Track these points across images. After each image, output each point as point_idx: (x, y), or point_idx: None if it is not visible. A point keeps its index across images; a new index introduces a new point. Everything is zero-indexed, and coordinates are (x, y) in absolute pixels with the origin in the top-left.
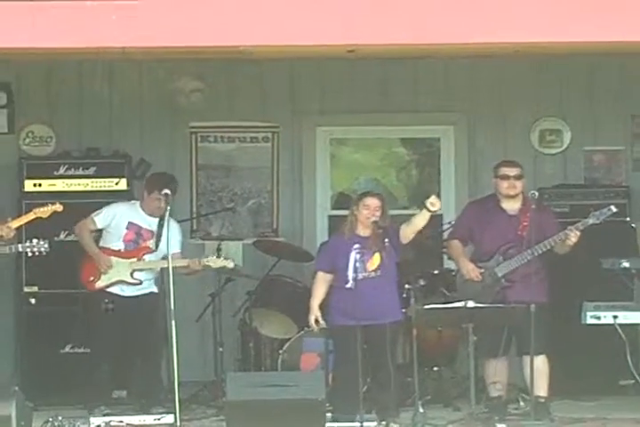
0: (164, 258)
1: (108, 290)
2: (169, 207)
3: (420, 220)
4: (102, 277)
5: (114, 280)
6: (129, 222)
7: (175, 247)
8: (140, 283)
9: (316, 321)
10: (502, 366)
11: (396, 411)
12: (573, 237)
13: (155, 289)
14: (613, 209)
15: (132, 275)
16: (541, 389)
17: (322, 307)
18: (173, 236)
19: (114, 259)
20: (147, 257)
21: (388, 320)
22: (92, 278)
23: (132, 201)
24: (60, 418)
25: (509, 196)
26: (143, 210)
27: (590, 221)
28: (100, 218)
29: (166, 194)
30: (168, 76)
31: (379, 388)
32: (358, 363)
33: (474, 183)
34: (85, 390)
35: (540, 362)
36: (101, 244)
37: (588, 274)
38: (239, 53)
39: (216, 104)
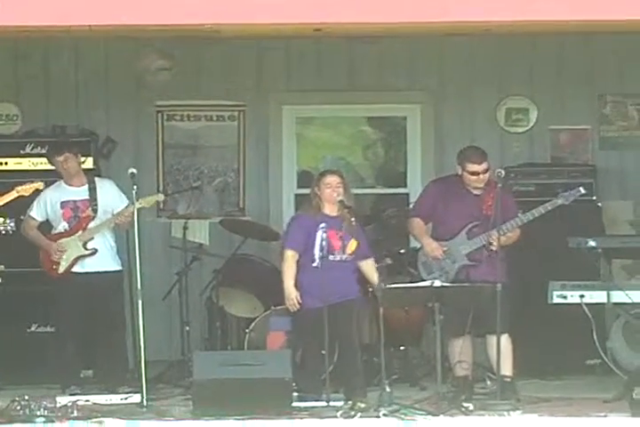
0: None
1: (74, 270)
2: (135, 187)
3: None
4: (61, 261)
5: (71, 260)
6: (61, 202)
7: (120, 203)
8: (96, 251)
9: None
10: (467, 346)
11: (364, 391)
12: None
13: (118, 267)
14: (582, 190)
15: (85, 247)
16: (506, 368)
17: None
18: (112, 193)
19: (63, 241)
20: (91, 224)
21: (349, 297)
22: (53, 267)
23: (57, 182)
24: (26, 397)
25: (477, 188)
26: (67, 184)
27: (559, 201)
28: (35, 211)
29: (132, 173)
30: (134, 54)
31: (345, 367)
32: (324, 343)
33: (440, 162)
34: (52, 369)
35: (504, 341)
36: (52, 232)
37: (554, 253)
38: (205, 32)
39: (182, 83)
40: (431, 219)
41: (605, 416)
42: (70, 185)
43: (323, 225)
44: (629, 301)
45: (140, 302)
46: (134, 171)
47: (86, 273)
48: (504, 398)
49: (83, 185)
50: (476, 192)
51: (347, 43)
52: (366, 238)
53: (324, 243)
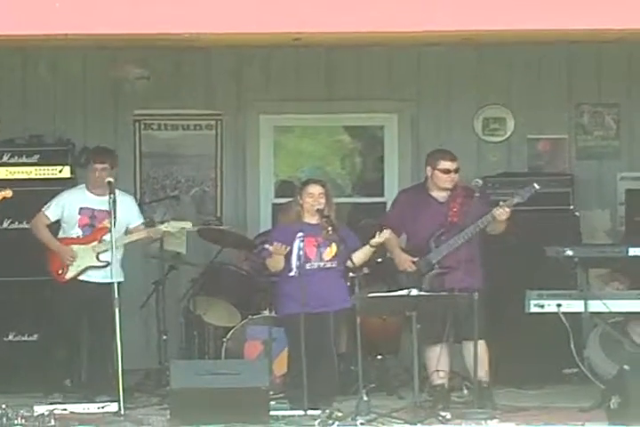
0: (126, 233)
1: (79, 278)
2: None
3: (361, 254)
4: (70, 267)
5: (82, 268)
6: (80, 208)
7: (136, 219)
8: (108, 264)
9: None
10: (444, 354)
11: (331, 400)
12: (502, 214)
13: (121, 279)
14: (536, 186)
15: (97, 258)
16: (483, 374)
17: (270, 296)
18: (130, 209)
19: (75, 247)
20: (106, 237)
21: (336, 308)
22: (60, 271)
23: (78, 186)
24: (3, 406)
25: (446, 188)
26: (90, 192)
27: (515, 199)
28: (51, 211)
29: (109, 182)
30: (112, 63)
31: (318, 376)
32: (308, 351)
33: (417, 171)
34: (33, 378)
35: (481, 347)
36: (60, 235)
37: (531, 262)
38: (184, 41)
39: (160, 92)
40: (402, 229)
41: (583, 425)
42: (92, 193)
43: (300, 234)
44: (607, 310)
45: (117, 310)
46: (112, 180)
47: (89, 282)
48: (481, 406)
49: (104, 195)
50: (441, 200)
51: (325, 52)
52: (356, 241)
53: (301, 252)
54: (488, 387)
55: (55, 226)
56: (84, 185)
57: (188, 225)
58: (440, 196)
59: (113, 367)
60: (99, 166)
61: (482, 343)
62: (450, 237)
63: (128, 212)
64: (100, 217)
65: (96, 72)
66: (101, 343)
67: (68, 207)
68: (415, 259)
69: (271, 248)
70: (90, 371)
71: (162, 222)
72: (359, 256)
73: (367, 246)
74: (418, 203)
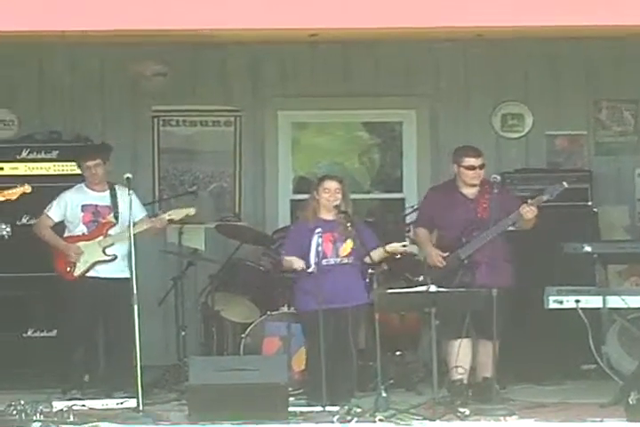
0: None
1: (88, 275)
2: (131, 191)
3: (376, 255)
4: (77, 264)
5: (90, 264)
6: (82, 205)
7: (140, 213)
8: (115, 257)
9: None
10: (465, 350)
11: (350, 396)
12: (529, 212)
13: (128, 274)
14: (565, 185)
15: (104, 252)
16: (490, 370)
17: (288, 292)
18: (133, 202)
19: (81, 244)
20: (111, 231)
21: (354, 303)
22: (68, 269)
23: (77, 186)
24: (22, 402)
25: (473, 184)
26: (89, 188)
27: (544, 197)
28: (54, 211)
29: (128, 178)
30: (130, 59)
31: (338, 373)
32: (326, 347)
33: (436, 167)
34: (51, 374)
35: (492, 347)
36: (66, 233)
37: (550, 258)
38: (201, 37)
39: (178, 88)
40: (434, 227)
41: (601, 421)
42: (92, 190)
43: (318, 230)
44: (625, 306)
45: (135, 306)
46: (130, 176)
47: (99, 278)
48: (485, 401)
49: (104, 191)
50: (471, 196)
51: (342, 48)
52: (374, 238)
53: (319, 248)
54: (491, 382)
55: (59, 227)
56: (82, 184)
57: (191, 212)
58: (470, 192)
59: (131, 363)
60: (91, 163)
61: (494, 344)
62: (480, 232)
63: (132, 205)
64: (103, 212)
65: (114, 69)
66: (119, 339)
67: (70, 206)
68: (445, 254)
69: (287, 259)
70: (107, 367)
71: (165, 212)
72: (373, 256)
73: (382, 249)
74: (448, 200)
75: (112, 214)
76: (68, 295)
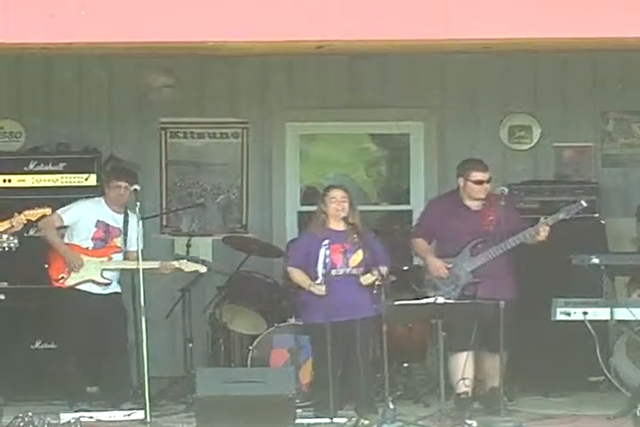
0: (126, 256)
1: (78, 287)
2: (138, 203)
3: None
4: (72, 275)
5: (85, 279)
6: (97, 220)
7: (134, 245)
8: (110, 283)
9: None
10: (470, 362)
11: (374, 407)
12: (543, 231)
13: (119, 289)
14: (584, 204)
15: (101, 275)
16: (497, 382)
17: (296, 304)
18: (134, 231)
19: (84, 257)
20: (115, 256)
21: (362, 315)
22: (61, 276)
23: (97, 198)
24: (29, 414)
25: (479, 198)
26: (108, 206)
27: (561, 215)
28: (68, 215)
29: (135, 190)
30: (137, 71)
31: (350, 385)
32: (334, 360)
33: (443, 179)
34: (58, 385)
35: (497, 360)
36: (66, 240)
37: (557, 270)
38: (208, 49)
39: (186, 100)
40: (433, 237)
41: None
42: (111, 208)
43: (326, 242)
44: (633, 318)
45: (143, 318)
46: (138, 187)
47: (90, 293)
48: (492, 413)
49: (120, 213)
50: (475, 208)
51: (349, 60)
52: (382, 250)
53: (327, 260)
54: (499, 394)
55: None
56: (102, 198)
57: (202, 269)
58: (474, 204)
59: (131, 375)
60: (122, 184)
61: (500, 356)
62: (487, 247)
63: (132, 233)
64: (113, 233)
65: (122, 80)
66: (114, 352)
67: (85, 217)
68: (450, 265)
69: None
70: (110, 379)
71: (178, 258)
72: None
73: (368, 275)
74: (450, 211)
75: (121, 238)
76: (60, 306)
